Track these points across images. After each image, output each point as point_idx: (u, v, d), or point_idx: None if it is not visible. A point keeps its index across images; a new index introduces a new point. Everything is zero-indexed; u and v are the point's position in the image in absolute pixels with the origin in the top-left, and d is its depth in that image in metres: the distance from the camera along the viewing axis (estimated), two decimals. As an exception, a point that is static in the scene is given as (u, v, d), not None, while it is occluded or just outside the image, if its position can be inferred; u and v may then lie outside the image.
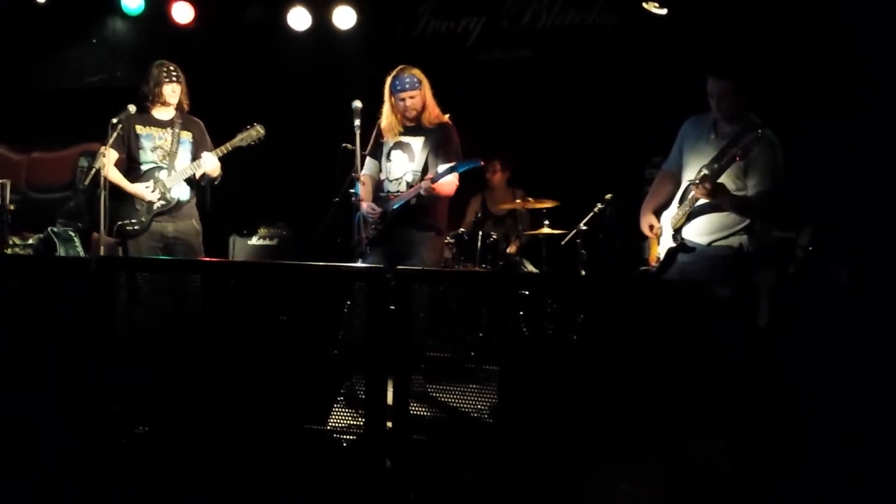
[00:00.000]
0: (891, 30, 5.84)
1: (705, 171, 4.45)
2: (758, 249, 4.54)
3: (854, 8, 6.01)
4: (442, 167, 4.87)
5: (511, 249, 6.95)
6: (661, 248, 4.71)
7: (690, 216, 4.57)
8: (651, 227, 4.81)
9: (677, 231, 4.61)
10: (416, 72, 4.98)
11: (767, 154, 4.40)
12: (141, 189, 5.47)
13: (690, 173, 4.60)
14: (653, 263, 4.80)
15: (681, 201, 4.65)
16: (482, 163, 4.91)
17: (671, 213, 4.71)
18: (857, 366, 3.23)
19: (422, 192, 4.84)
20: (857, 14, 5.98)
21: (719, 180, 4.40)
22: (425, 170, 4.99)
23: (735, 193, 4.43)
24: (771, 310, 4.62)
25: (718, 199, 4.41)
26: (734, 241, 4.48)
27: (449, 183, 4.92)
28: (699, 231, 4.55)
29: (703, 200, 4.49)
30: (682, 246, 4.56)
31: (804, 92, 6.26)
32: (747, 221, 4.48)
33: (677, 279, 4.50)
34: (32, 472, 3.62)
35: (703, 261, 4.48)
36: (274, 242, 7.53)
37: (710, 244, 4.50)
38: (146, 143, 5.54)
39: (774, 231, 5.73)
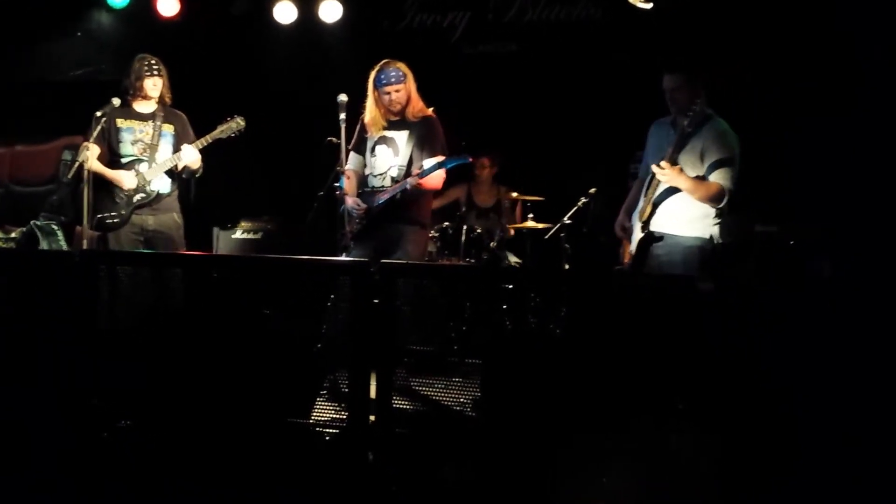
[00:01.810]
0: (891, 29, 5.86)
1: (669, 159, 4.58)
2: (731, 242, 4.60)
3: (854, 7, 6.05)
4: (429, 162, 4.87)
5: (494, 244, 6.94)
6: (633, 243, 4.77)
7: (655, 206, 4.67)
8: (623, 229, 4.90)
9: (646, 223, 4.68)
10: (401, 65, 4.97)
11: (721, 140, 4.57)
12: (121, 174, 5.45)
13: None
14: (626, 262, 4.86)
15: (645, 194, 4.75)
16: (470, 159, 4.91)
17: (638, 208, 4.79)
18: (853, 363, 3.25)
19: (408, 187, 4.84)
20: (857, 13, 6.01)
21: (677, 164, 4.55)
22: (410, 164, 4.98)
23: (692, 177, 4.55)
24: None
25: (674, 178, 4.52)
26: (705, 232, 4.56)
27: (435, 177, 4.92)
28: (667, 220, 4.65)
29: (663, 187, 4.61)
30: (650, 236, 4.61)
31: (804, 92, 6.29)
32: (715, 211, 4.59)
33: (657, 272, 4.54)
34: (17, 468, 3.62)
35: (677, 252, 4.56)
36: (258, 236, 7.50)
37: (681, 234, 4.57)
38: (126, 137, 5.53)
39: (755, 225, 5.77)
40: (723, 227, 4.61)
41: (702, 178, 4.56)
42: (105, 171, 5.45)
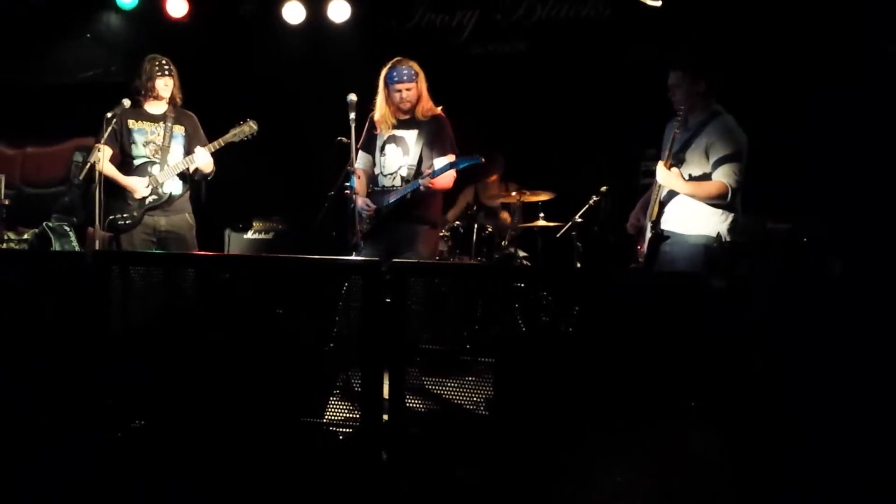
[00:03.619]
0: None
1: (669, 160, 4.62)
2: (743, 240, 4.59)
3: (858, 7, 6.03)
4: (440, 162, 4.87)
5: (505, 242, 6.94)
6: (645, 242, 4.78)
7: (662, 206, 4.68)
8: (635, 226, 4.92)
9: (655, 223, 4.69)
10: (413, 64, 4.98)
11: (726, 136, 4.55)
12: (134, 182, 5.46)
13: None
14: (641, 260, 4.86)
15: (653, 193, 4.76)
16: (483, 160, 4.89)
17: (648, 208, 4.80)
18: (865, 360, 3.24)
19: (420, 188, 4.84)
20: (861, 12, 5.99)
21: (685, 166, 4.60)
22: (420, 163, 4.98)
23: (689, 180, 4.57)
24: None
25: (671, 181, 4.57)
26: (711, 230, 4.54)
27: (446, 177, 4.92)
28: (675, 220, 4.66)
29: (666, 188, 4.64)
30: (658, 235, 4.63)
31: (808, 88, 6.28)
32: (723, 209, 4.57)
33: (667, 270, 4.54)
34: (28, 467, 3.63)
35: (683, 250, 4.57)
36: (269, 236, 7.52)
37: (687, 233, 4.57)
38: (138, 138, 5.53)
39: (767, 222, 5.76)
40: (734, 225, 4.59)
41: (707, 176, 4.55)
42: (118, 178, 5.45)
